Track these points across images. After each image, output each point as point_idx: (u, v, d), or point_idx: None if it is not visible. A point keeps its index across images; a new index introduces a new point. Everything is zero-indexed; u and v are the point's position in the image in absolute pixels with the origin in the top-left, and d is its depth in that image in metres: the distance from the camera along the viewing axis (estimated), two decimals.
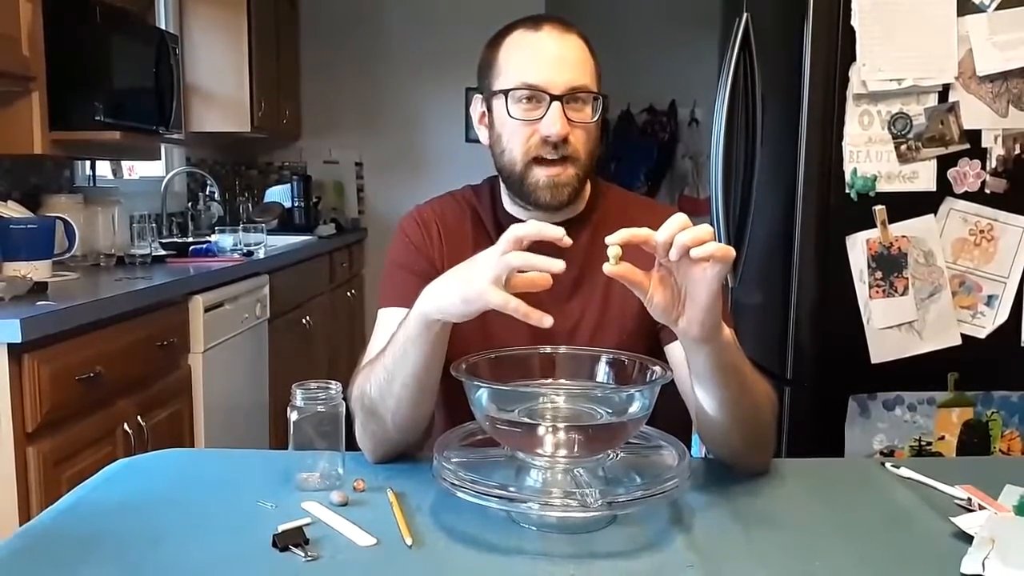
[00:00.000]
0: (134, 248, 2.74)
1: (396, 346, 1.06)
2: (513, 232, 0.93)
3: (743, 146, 2.29)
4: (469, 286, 0.95)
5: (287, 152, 4.70)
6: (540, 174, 1.18)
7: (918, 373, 1.96)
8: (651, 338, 1.22)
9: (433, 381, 1.07)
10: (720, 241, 0.92)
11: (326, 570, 0.87)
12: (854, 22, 1.88)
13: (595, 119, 1.20)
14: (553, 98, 1.15)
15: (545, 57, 1.17)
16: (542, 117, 1.16)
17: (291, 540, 0.90)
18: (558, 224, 1.24)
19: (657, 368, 1.02)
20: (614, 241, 0.92)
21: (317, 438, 1.07)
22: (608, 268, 0.93)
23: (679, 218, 0.91)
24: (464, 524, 0.96)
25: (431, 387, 1.08)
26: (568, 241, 0.93)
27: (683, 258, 0.90)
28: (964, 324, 1.96)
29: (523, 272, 0.94)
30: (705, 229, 0.90)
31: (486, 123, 1.25)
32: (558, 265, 0.91)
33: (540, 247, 0.95)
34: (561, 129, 1.15)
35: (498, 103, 1.19)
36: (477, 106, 1.27)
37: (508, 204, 1.29)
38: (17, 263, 2.18)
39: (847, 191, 1.92)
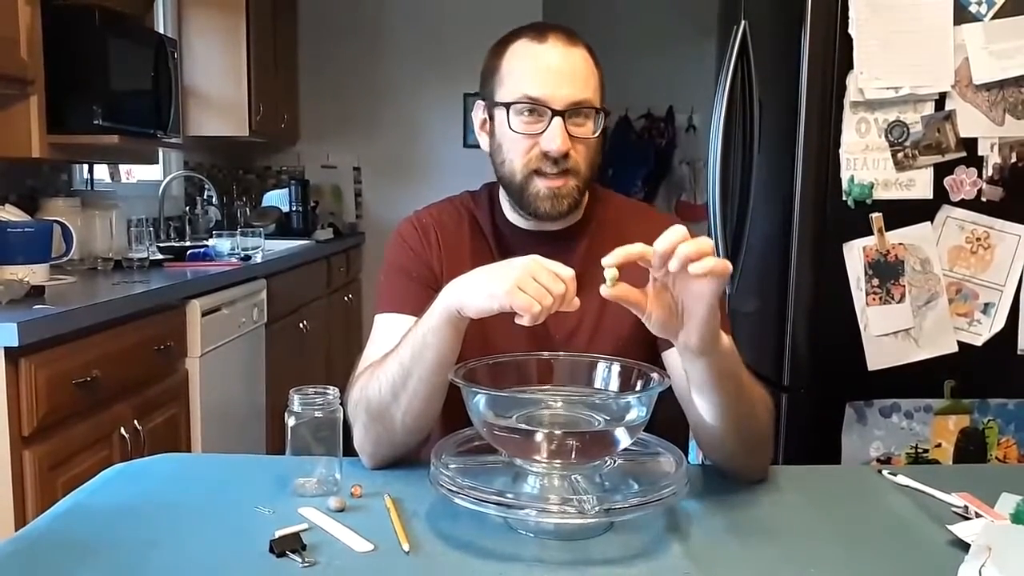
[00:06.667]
0: (131, 252, 2.73)
1: (414, 341, 1.06)
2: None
3: (740, 153, 2.29)
4: (497, 283, 0.97)
5: (285, 156, 4.71)
6: (541, 185, 1.18)
7: (915, 380, 1.96)
8: (648, 344, 1.22)
9: (445, 380, 1.07)
10: (717, 248, 0.93)
11: None
12: (851, 30, 1.88)
13: (596, 134, 1.19)
14: (555, 113, 1.15)
15: (548, 70, 1.16)
16: (543, 131, 1.16)
17: (288, 546, 0.90)
18: (557, 232, 1.25)
19: (655, 375, 1.02)
20: (610, 263, 0.92)
21: (314, 443, 1.07)
22: (605, 291, 0.93)
23: (679, 229, 0.91)
24: (461, 530, 0.96)
25: (444, 385, 1.08)
26: (577, 304, 0.99)
27: (681, 272, 0.90)
28: (961, 332, 1.96)
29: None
30: (706, 242, 0.90)
31: (487, 130, 1.25)
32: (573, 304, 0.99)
33: (540, 252, 0.99)
34: (562, 145, 1.15)
35: (499, 114, 1.19)
36: (479, 112, 1.26)
37: (507, 211, 1.29)
38: (14, 267, 2.18)
39: (844, 198, 1.93)
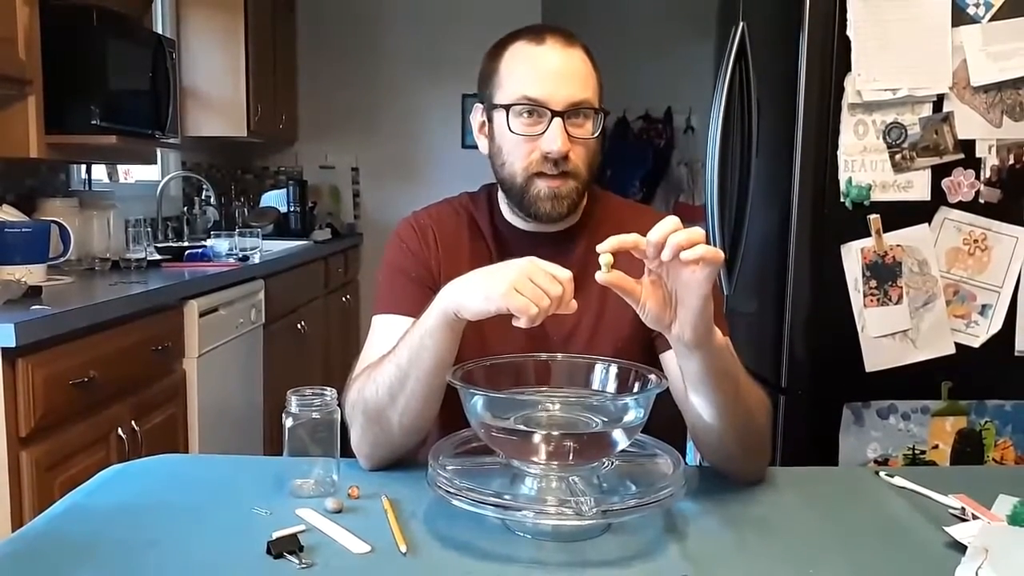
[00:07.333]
0: (129, 252, 2.73)
1: (412, 343, 1.06)
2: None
3: (739, 154, 2.29)
4: (493, 285, 0.97)
5: (283, 157, 4.70)
6: (542, 185, 1.18)
7: (912, 382, 1.97)
8: (646, 346, 1.23)
9: (443, 382, 1.07)
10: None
11: None
12: (849, 32, 1.89)
13: (596, 135, 1.20)
14: (554, 114, 1.15)
15: (547, 71, 1.16)
16: (543, 133, 1.16)
17: (285, 547, 0.90)
18: (555, 233, 1.26)
19: (653, 376, 1.02)
20: (605, 249, 0.93)
21: (312, 444, 1.07)
22: (600, 276, 0.94)
23: (672, 220, 0.92)
24: (458, 532, 0.96)
25: (441, 387, 1.08)
26: (574, 306, 1.00)
27: (674, 261, 0.91)
28: (958, 333, 1.97)
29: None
30: (697, 231, 0.92)
31: (486, 133, 1.25)
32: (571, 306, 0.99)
33: (538, 254, 1.01)
34: (562, 146, 1.15)
35: (499, 116, 1.19)
36: (477, 115, 1.26)
37: (506, 213, 1.29)
38: (12, 267, 2.17)
39: (842, 200, 1.93)
